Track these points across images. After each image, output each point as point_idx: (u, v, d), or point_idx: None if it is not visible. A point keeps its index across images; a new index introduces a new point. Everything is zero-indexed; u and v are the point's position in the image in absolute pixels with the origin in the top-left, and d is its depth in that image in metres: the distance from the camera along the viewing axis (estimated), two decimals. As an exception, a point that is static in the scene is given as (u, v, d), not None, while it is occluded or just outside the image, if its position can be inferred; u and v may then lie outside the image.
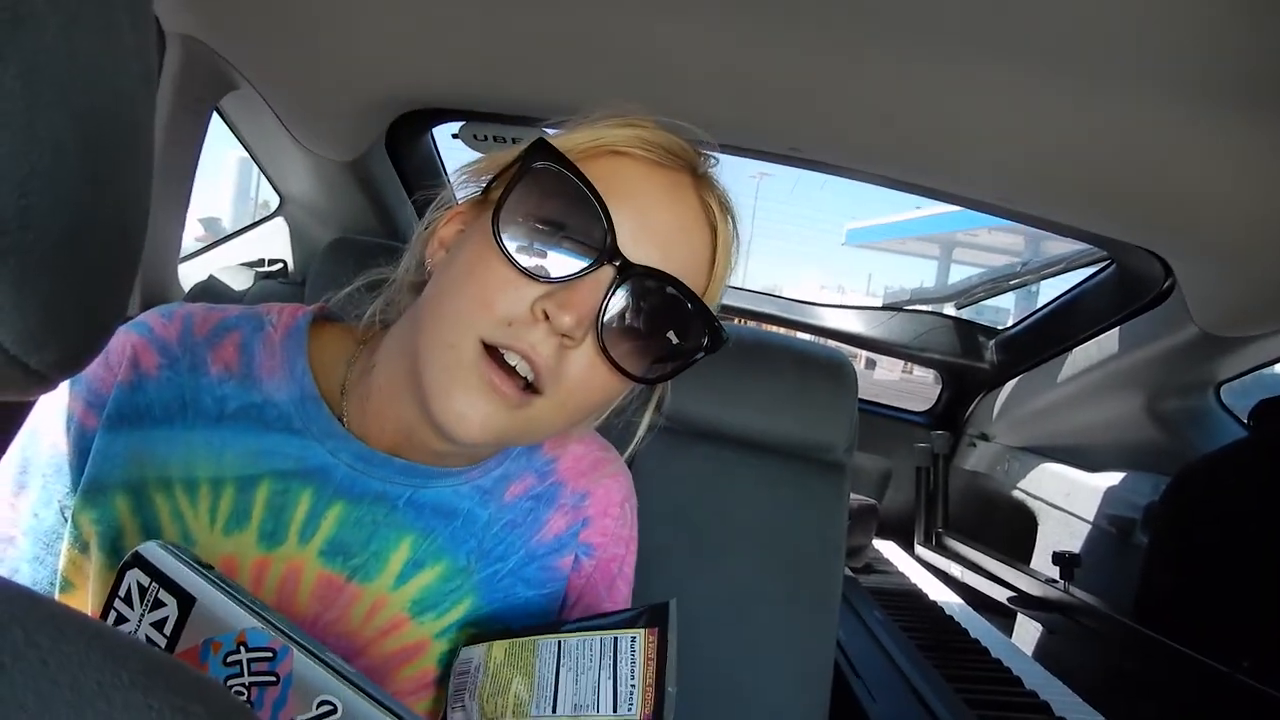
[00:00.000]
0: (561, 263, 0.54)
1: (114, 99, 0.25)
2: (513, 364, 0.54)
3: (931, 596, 1.98)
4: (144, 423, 0.60)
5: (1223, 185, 1.15)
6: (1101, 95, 1.00)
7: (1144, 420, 1.88)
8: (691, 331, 0.59)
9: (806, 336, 2.36)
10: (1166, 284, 1.62)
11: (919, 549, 2.42)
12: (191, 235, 1.60)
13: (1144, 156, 1.14)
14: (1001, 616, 1.96)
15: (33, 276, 0.23)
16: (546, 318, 0.53)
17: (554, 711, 0.53)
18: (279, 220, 1.88)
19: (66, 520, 0.59)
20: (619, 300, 0.55)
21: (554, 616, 0.69)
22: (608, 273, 0.54)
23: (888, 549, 2.41)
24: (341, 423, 0.63)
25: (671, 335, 0.59)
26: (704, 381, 1.13)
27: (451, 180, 0.65)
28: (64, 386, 0.60)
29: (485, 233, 0.55)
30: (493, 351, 0.54)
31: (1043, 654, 1.88)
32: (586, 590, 0.70)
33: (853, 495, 2.02)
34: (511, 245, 0.53)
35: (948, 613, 1.84)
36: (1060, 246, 2.16)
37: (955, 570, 2.21)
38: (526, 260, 0.54)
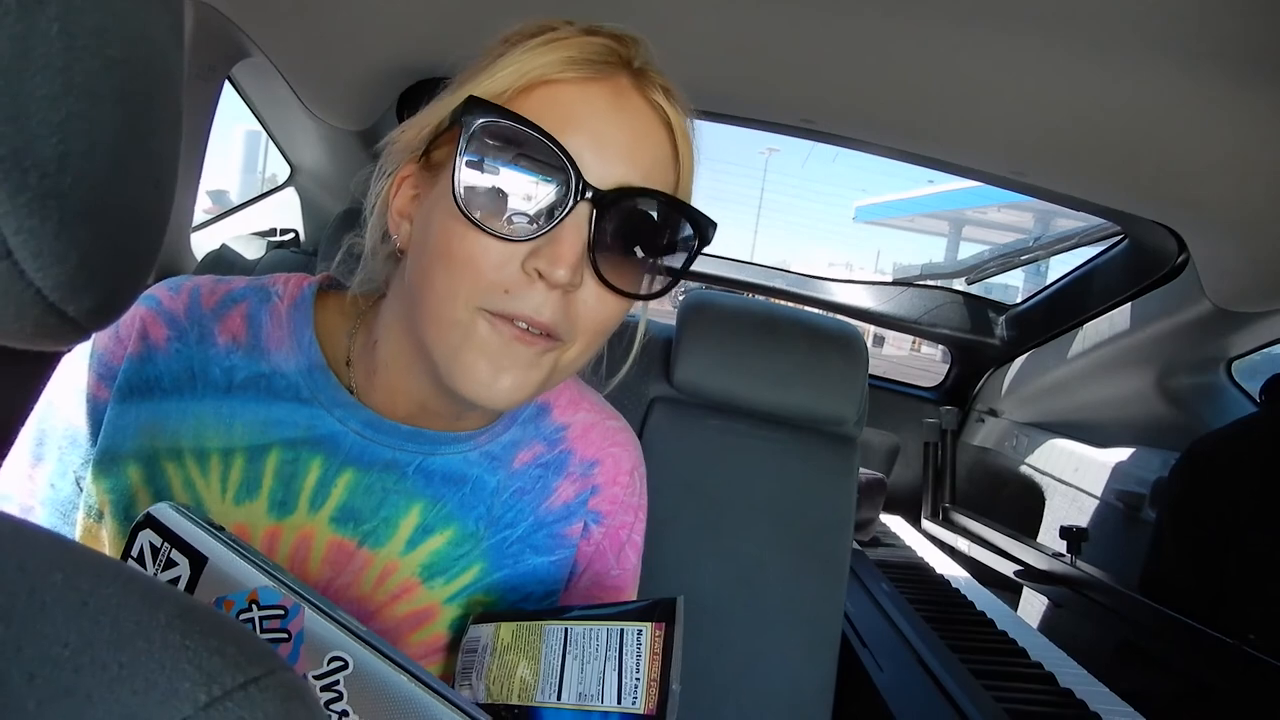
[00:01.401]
0: (536, 213, 0.52)
1: (146, 48, 0.26)
2: (523, 327, 0.53)
3: (938, 570, 1.98)
4: (154, 394, 0.60)
5: (1239, 158, 1.14)
6: (1116, 67, 0.99)
7: (1154, 396, 1.88)
8: (680, 230, 0.58)
9: (816, 312, 2.35)
10: (1180, 259, 1.61)
11: (926, 524, 2.42)
12: (199, 208, 1.60)
13: (1159, 129, 1.13)
14: (1008, 591, 1.97)
15: (71, 223, 0.23)
16: (539, 275, 0.52)
17: (559, 699, 0.53)
18: (290, 191, 1.88)
19: (82, 490, 0.60)
20: (603, 230, 0.53)
21: (563, 583, 0.69)
22: (584, 208, 0.52)
23: (895, 523, 2.42)
24: (350, 392, 0.63)
25: (663, 241, 0.58)
26: (715, 355, 1.13)
27: (384, 149, 0.62)
28: (77, 360, 0.62)
29: (448, 203, 0.52)
30: (499, 316, 0.53)
31: (1048, 627, 1.89)
32: (596, 558, 0.71)
33: (861, 469, 2.03)
34: (480, 213, 0.52)
35: (954, 586, 1.85)
36: (1070, 225, 2.14)
37: (962, 545, 2.22)
38: (500, 224, 0.52)
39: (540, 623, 0.57)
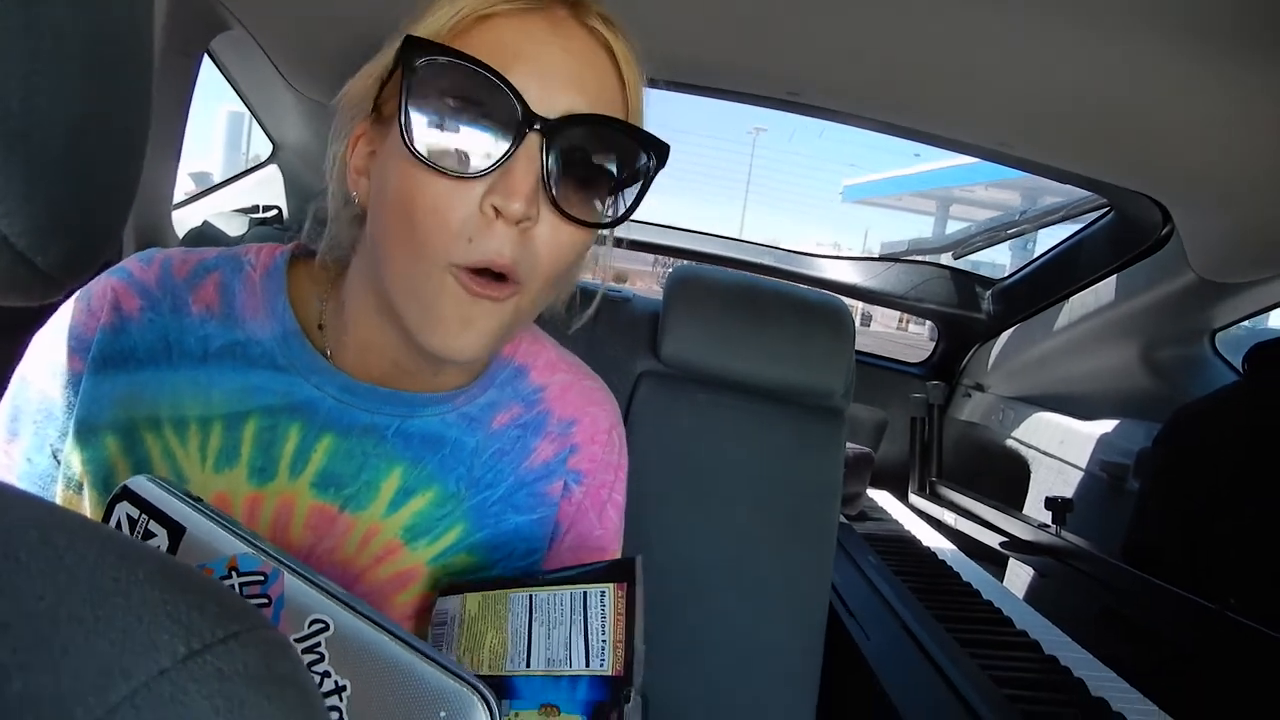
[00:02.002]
0: (486, 150, 0.52)
1: None
2: (487, 279, 0.54)
3: (925, 543, 2.00)
4: (129, 365, 0.60)
5: (1223, 128, 1.14)
6: (1102, 39, 0.99)
7: (1139, 369, 1.89)
8: (633, 154, 0.58)
9: (803, 286, 2.36)
10: (1165, 231, 1.62)
11: (913, 498, 2.44)
12: (181, 190, 1.58)
13: (1144, 99, 1.13)
14: (994, 564, 1.99)
15: (39, 170, 0.23)
16: (497, 213, 0.52)
17: (528, 666, 0.54)
18: (273, 169, 1.86)
19: (59, 463, 0.60)
20: (555, 160, 0.53)
21: (545, 541, 0.70)
22: (534, 139, 0.52)
23: (882, 498, 2.44)
24: (326, 357, 0.63)
25: (615, 167, 0.58)
26: (702, 329, 1.13)
27: (336, 108, 0.62)
28: (49, 336, 0.61)
29: (402, 151, 0.52)
30: (465, 269, 0.54)
31: (1034, 597, 1.91)
32: (579, 518, 0.71)
33: (848, 444, 2.04)
34: (432, 153, 0.52)
35: (940, 558, 1.87)
36: (1057, 202, 2.15)
37: (948, 518, 2.24)
38: (454, 163, 0.52)
39: (505, 591, 0.57)
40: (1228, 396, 1.57)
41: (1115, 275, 1.82)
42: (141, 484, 0.48)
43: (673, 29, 1.23)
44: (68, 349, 0.60)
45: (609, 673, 0.51)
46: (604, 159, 0.57)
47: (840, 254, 2.66)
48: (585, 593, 0.54)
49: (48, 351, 0.61)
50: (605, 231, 0.64)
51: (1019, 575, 2.06)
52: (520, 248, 0.54)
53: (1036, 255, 2.17)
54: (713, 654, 1.06)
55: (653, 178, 0.60)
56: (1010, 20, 1.00)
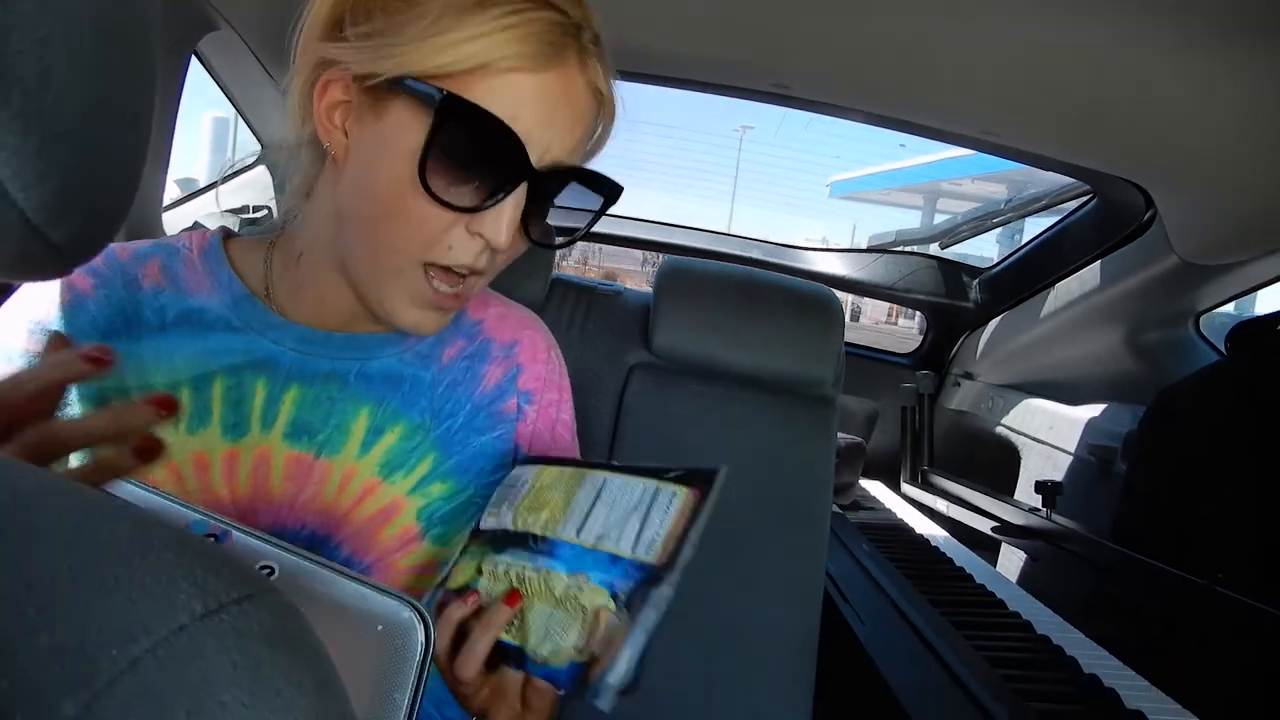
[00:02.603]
0: (484, 189, 0.58)
1: None
2: (459, 275, 0.62)
3: (918, 530, 2.02)
4: (90, 340, 0.62)
5: (1202, 112, 1.16)
6: (1084, 25, 1.00)
7: (1125, 353, 1.92)
8: (594, 195, 0.66)
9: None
10: (1147, 215, 1.64)
11: (905, 487, 2.46)
12: (168, 197, 1.58)
13: (1125, 85, 1.14)
14: (987, 550, 2.01)
15: (52, 144, 0.24)
16: (483, 238, 0.59)
17: (577, 535, 0.56)
18: (261, 169, 1.86)
19: None
20: (535, 200, 0.60)
21: (509, 455, 0.74)
22: (524, 186, 0.59)
23: (875, 488, 2.45)
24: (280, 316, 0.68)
25: (580, 204, 0.66)
26: (693, 320, 1.14)
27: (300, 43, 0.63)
28: (4, 328, 0.63)
29: (404, 166, 0.56)
30: (437, 268, 0.61)
31: (1026, 580, 1.93)
32: (535, 439, 0.76)
33: (840, 434, 2.05)
34: (439, 188, 0.57)
35: (933, 544, 1.88)
36: (1042, 189, 2.17)
37: (941, 505, 2.26)
38: (456, 198, 0.57)
39: (583, 470, 0.60)
40: (1210, 376, 1.59)
41: (1099, 261, 1.84)
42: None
43: (658, 23, 1.24)
44: (26, 334, 0.63)
45: (651, 560, 0.52)
46: (571, 198, 0.65)
47: (829, 247, 2.68)
48: (658, 489, 0.56)
49: (4, 342, 0.63)
50: (597, 228, 0.72)
51: (1011, 560, 2.08)
52: (489, 258, 0.62)
53: (1022, 243, 2.20)
54: (709, 642, 1.07)
55: (603, 213, 0.68)
56: (994, 9, 1.01)
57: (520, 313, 0.81)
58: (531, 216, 0.61)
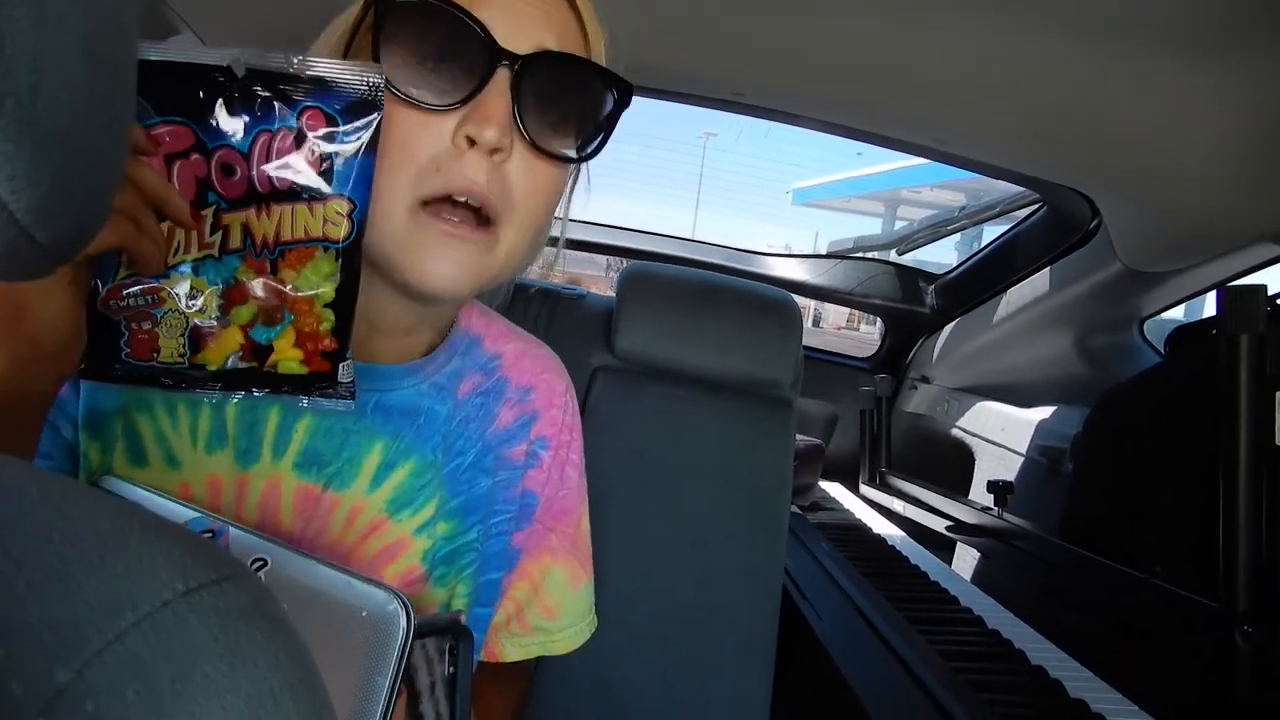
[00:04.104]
0: (457, 84, 0.55)
1: None
2: (461, 200, 0.56)
3: (875, 530, 2.06)
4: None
5: (1146, 125, 1.21)
6: (1033, 40, 1.05)
7: (1073, 356, 1.98)
8: (599, 93, 0.62)
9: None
10: (1093, 223, 1.70)
11: (864, 488, 2.51)
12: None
13: (1071, 98, 1.19)
14: (943, 549, 2.06)
15: (43, 149, 0.25)
16: (470, 143, 0.55)
17: None
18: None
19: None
20: (526, 94, 0.56)
21: (514, 503, 0.74)
22: (504, 74, 0.55)
23: (834, 489, 2.50)
24: None
25: (583, 105, 0.61)
26: (655, 323, 1.16)
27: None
28: None
29: None
30: (430, 203, 0.56)
31: (979, 577, 1.99)
32: (548, 484, 0.76)
33: (801, 437, 2.09)
34: (409, 89, 0.54)
35: (890, 543, 1.93)
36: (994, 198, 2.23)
37: (898, 506, 2.31)
38: (429, 96, 0.54)
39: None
40: (1148, 378, 1.66)
41: (1049, 268, 1.90)
42: (109, 481, 0.51)
43: (615, 32, 1.26)
44: None
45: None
46: (570, 95, 0.60)
47: (790, 253, 2.72)
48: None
49: None
50: (557, 233, 0.68)
51: (965, 560, 2.13)
52: (494, 180, 0.56)
53: (976, 250, 2.26)
54: (672, 638, 1.09)
55: (618, 117, 0.63)
56: (946, 23, 1.05)
57: (538, 350, 0.79)
58: (530, 120, 0.56)
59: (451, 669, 0.54)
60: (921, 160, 1.82)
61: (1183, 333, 1.54)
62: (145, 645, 0.23)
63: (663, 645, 1.09)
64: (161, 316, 0.49)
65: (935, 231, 2.42)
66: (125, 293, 0.48)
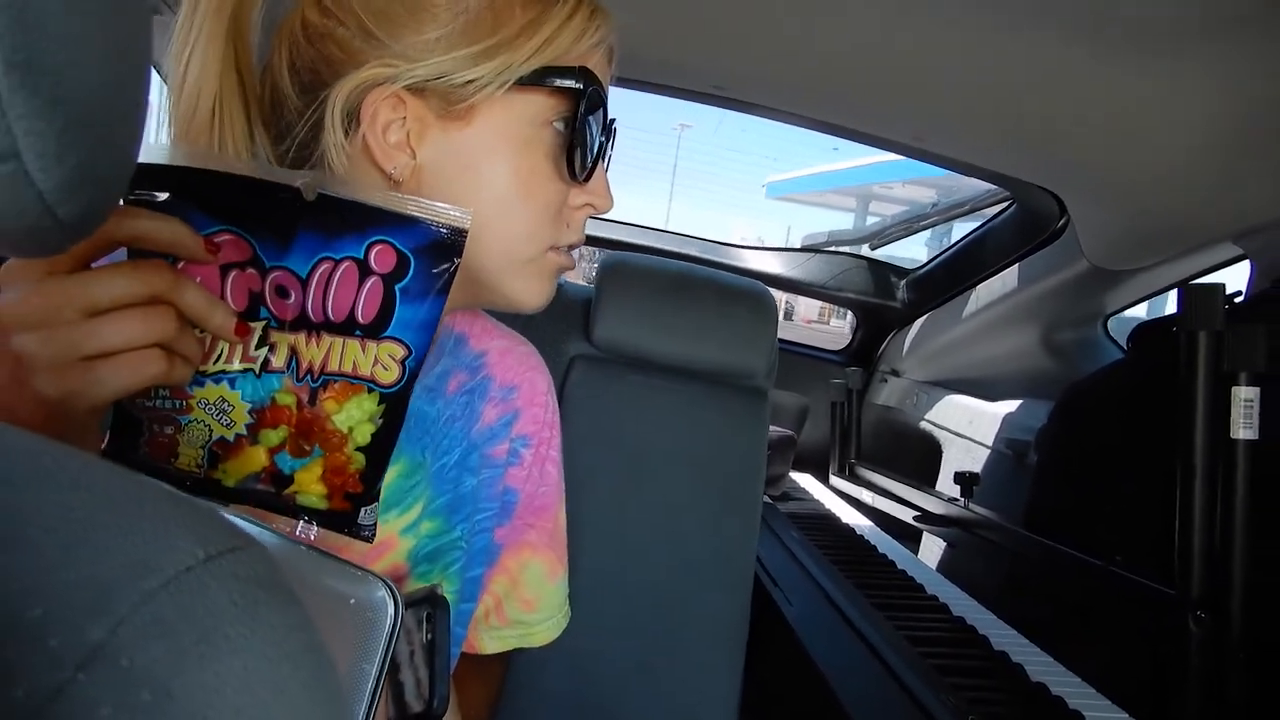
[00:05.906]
0: (589, 156, 0.63)
1: None
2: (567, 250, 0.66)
3: (845, 520, 2.10)
4: None
5: (1113, 124, 1.24)
6: (1004, 39, 1.07)
7: (1039, 351, 2.03)
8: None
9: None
10: (1061, 222, 1.74)
11: (834, 479, 2.54)
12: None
13: (1041, 96, 1.22)
14: (910, 539, 2.10)
15: (72, 128, 0.26)
16: (592, 207, 0.65)
17: None
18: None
19: None
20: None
21: (496, 500, 0.75)
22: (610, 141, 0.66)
23: (805, 480, 2.53)
24: None
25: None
26: (632, 313, 1.17)
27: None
28: None
29: (521, 155, 0.59)
30: (556, 247, 0.65)
31: (945, 566, 2.03)
32: (528, 481, 0.77)
33: (773, 428, 2.11)
34: (578, 169, 0.61)
35: (859, 533, 1.96)
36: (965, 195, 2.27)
37: (867, 496, 2.35)
38: (577, 170, 0.61)
39: None
40: (1111, 373, 1.70)
41: (1018, 264, 1.94)
42: None
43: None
44: None
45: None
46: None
47: (763, 246, 2.75)
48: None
49: None
50: None
51: (932, 549, 2.18)
52: None
53: (947, 246, 2.29)
54: (647, 623, 1.11)
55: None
56: (920, 19, 1.07)
57: (521, 348, 0.80)
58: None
59: (430, 635, 0.55)
60: (894, 157, 1.85)
61: (1145, 329, 1.58)
62: (172, 607, 0.24)
63: (639, 628, 1.11)
64: (186, 424, 0.48)
65: (907, 227, 2.46)
66: (154, 392, 0.47)
